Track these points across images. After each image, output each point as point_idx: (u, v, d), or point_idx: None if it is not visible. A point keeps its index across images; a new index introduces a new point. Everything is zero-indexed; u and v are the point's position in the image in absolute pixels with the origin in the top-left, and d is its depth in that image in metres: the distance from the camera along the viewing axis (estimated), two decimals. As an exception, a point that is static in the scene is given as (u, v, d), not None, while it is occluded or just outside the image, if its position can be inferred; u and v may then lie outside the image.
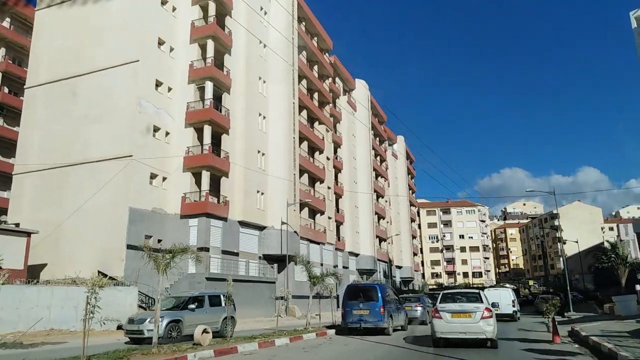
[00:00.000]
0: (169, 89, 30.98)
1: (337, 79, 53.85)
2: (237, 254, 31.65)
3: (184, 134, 30.96)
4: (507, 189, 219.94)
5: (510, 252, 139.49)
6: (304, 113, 42.25)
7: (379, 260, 59.20)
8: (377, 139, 67.10)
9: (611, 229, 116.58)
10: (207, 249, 28.69)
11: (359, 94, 59.74)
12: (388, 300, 16.67)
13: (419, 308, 21.87)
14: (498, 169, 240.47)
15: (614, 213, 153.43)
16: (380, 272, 58.40)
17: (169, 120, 30.66)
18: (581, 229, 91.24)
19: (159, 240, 28.84)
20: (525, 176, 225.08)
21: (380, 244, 62.15)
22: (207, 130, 30.53)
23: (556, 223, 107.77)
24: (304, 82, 42.93)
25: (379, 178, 65.74)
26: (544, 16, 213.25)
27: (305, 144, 41.97)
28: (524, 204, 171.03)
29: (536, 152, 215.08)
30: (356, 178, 55.91)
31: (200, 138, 31.04)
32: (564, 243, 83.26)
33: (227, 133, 32.26)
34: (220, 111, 31.79)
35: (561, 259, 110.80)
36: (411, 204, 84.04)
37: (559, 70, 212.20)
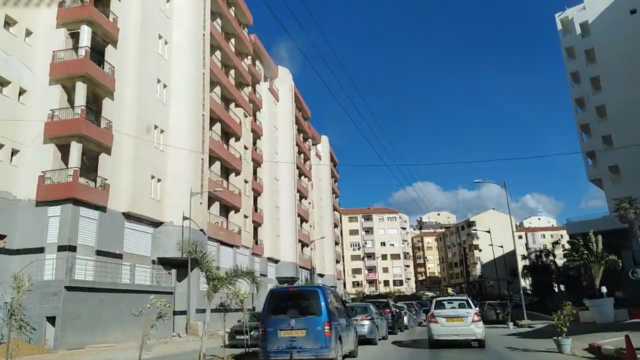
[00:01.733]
0: (28, 33, 22.80)
1: (257, 62, 47.46)
2: (119, 256, 23.86)
3: (49, 93, 22.84)
4: (420, 201, 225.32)
5: (427, 260, 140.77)
6: (218, 90, 35.33)
7: (301, 267, 53.10)
8: (301, 135, 61.48)
9: (520, 237, 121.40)
10: (72, 248, 20.74)
11: (283, 84, 53.83)
12: (334, 312, 10.55)
13: (366, 322, 15.98)
14: (411, 182, 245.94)
15: (517, 224, 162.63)
16: (302, 280, 52.26)
17: (26, 74, 22.44)
18: (495, 237, 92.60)
19: (2, 237, 20.50)
20: (437, 190, 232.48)
21: (302, 250, 56.16)
22: (81, 89, 22.64)
23: (472, 230, 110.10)
24: (219, 54, 36.07)
25: (303, 178, 59.96)
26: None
27: (218, 126, 34.99)
28: (438, 214, 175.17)
29: (447, 169, 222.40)
30: (278, 174, 49.60)
31: (71, 100, 23.08)
32: (485, 247, 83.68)
33: (112, 97, 24.53)
34: (103, 67, 24.05)
35: (477, 265, 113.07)
36: (334, 209, 79.31)
37: (466, 82, 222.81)
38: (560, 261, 44.52)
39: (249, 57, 43.86)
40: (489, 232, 58.11)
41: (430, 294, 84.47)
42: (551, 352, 12.27)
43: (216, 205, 33.59)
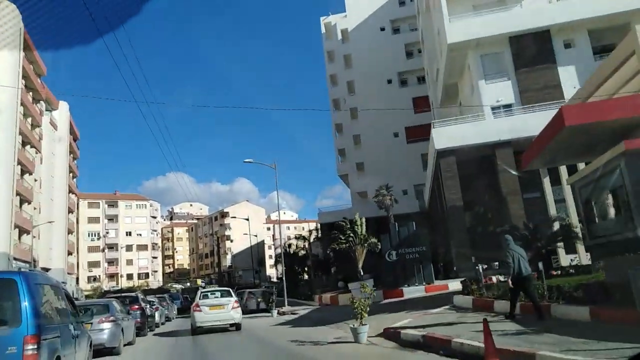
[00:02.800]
0: None
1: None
2: None
3: None
4: (174, 191, 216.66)
5: (176, 251, 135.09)
6: None
7: (17, 259, 41.56)
8: (31, 93, 48.81)
9: (268, 228, 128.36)
10: None
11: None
12: (51, 316, 5.98)
13: (107, 325, 11.28)
14: (164, 172, 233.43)
15: (267, 216, 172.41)
16: (17, 276, 40.76)
17: None
18: (247, 228, 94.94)
19: None
20: (191, 182, 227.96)
21: (20, 237, 44.32)
22: None
23: (226, 221, 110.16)
24: None
25: (29, 147, 47.55)
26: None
27: None
28: (191, 205, 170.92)
29: (201, 162, 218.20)
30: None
31: None
32: (237, 238, 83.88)
33: None
34: None
35: (227, 256, 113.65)
36: (71, 191, 66.62)
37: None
38: (318, 249, 46.84)
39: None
40: (247, 219, 57.48)
41: (178, 286, 79.98)
42: (345, 342, 10.38)
43: None
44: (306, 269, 45.60)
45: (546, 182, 19.42)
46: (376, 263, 23.50)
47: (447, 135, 23.62)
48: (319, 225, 48.66)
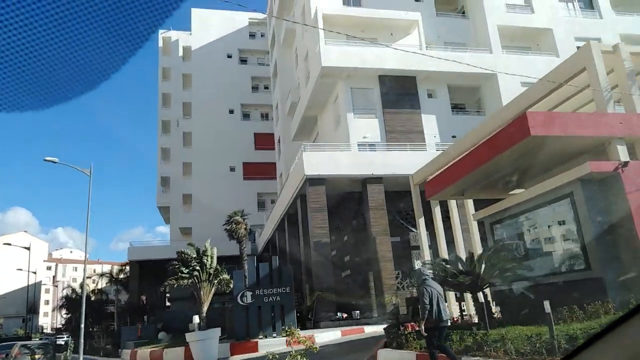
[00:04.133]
0: None
1: None
2: None
3: None
4: None
5: None
6: None
7: None
8: None
9: (49, 267, 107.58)
10: None
11: None
12: None
13: None
14: None
15: (49, 254, 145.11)
16: None
17: None
18: (22, 262, 76.37)
19: None
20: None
21: None
22: None
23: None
24: None
25: None
26: None
27: None
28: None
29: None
30: None
31: None
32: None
33: None
34: None
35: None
36: None
37: None
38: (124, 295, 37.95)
39: None
40: (28, 248, 44.61)
41: None
42: None
43: None
44: (114, 315, 36.24)
45: (421, 222, 17.80)
46: (222, 308, 18.61)
47: (318, 161, 20.86)
48: (127, 267, 40.12)
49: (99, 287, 42.53)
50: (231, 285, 16.75)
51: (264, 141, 44.93)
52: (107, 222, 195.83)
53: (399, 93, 25.04)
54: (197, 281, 15.90)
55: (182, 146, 44.97)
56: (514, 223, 12.89)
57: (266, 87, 47.76)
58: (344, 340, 15.89)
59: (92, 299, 40.30)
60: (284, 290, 17.04)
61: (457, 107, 26.68)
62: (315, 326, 19.14)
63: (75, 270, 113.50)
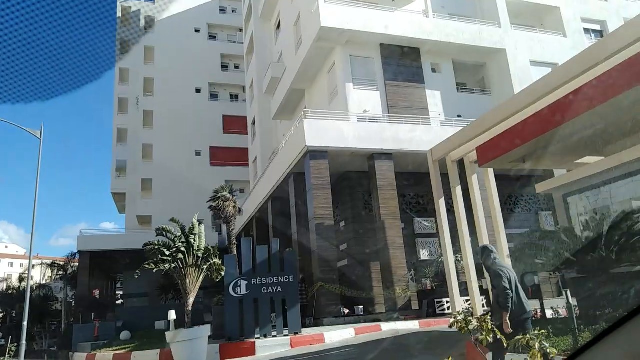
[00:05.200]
0: None
1: None
2: None
3: None
4: None
5: None
6: None
7: None
8: None
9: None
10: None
11: None
12: None
13: None
14: None
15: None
16: None
17: None
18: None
19: None
20: None
21: None
22: None
23: None
24: None
25: None
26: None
27: None
28: None
29: None
30: None
31: None
32: None
33: None
34: None
35: None
36: None
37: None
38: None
39: None
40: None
41: None
42: None
43: None
44: (61, 312, 31.37)
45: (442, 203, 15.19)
46: (212, 300, 15.30)
47: (321, 130, 17.86)
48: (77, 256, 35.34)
49: (41, 282, 37.33)
50: (222, 273, 13.46)
51: (234, 124, 41.33)
52: (48, 216, 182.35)
53: (402, 65, 22.52)
54: (182, 266, 12.55)
55: (142, 127, 40.53)
56: (592, 195, 10.57)
57: (237, 67, 44.13)
58: (364, 340, 13.00)
59: (32, 295, 35.30)
60: (286, 279, 13.94)
61: (459, 86, 24.53)
62: (316, 323, 16.19)
63: (11, 266, 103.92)
